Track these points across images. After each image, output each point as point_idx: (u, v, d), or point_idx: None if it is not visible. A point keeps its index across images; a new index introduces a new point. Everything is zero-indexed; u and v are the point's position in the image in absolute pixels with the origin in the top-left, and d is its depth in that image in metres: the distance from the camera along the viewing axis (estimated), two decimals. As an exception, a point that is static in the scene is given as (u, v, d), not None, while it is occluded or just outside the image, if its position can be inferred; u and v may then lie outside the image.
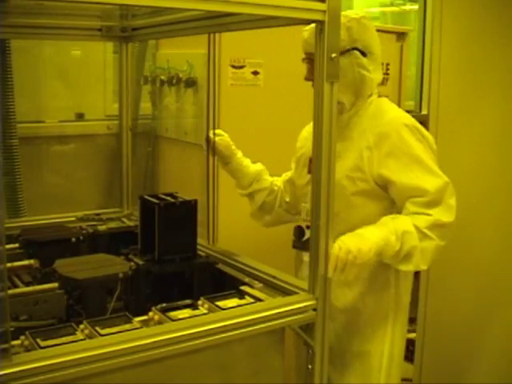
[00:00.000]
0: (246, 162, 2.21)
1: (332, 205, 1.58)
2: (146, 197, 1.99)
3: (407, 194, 1.89)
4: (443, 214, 1.87)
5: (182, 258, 1.89)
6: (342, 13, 1.92)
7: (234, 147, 2.18)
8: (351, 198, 1.93)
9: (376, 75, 1.98)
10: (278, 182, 2.26)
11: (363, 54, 1.93)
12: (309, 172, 1.99)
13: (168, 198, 1.96)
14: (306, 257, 2.02)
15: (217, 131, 2.17)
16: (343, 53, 1.85)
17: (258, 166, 2.23)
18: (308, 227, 1.92)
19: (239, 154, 2.20)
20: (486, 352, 2.84)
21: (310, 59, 1.90)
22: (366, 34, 1.95)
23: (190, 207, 1.93)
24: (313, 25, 1.68)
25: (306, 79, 1.92)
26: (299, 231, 1.96)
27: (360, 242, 1.74)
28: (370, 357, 2.01)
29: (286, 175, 2.26)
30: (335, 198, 1.62)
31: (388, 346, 2.03)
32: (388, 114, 1.98)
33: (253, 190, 2.22)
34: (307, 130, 2.14)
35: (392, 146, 1.89)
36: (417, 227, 1.84)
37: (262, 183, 2.22)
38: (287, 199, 2.23)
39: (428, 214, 1.86)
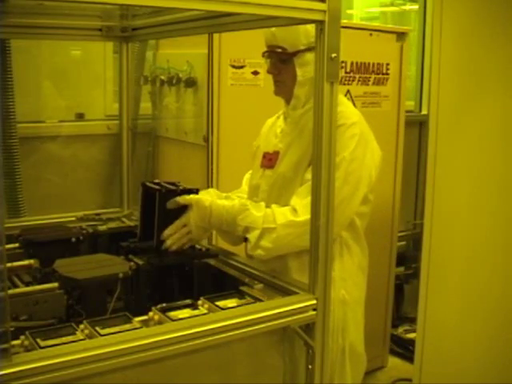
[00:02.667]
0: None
1: (332, 205, 1.58)
2: (148, 183, 1.99)
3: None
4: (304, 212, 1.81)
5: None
6: None
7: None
8: (294, 189, 1.93)
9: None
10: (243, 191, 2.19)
11: None
12: (261, 166, 2.04)
13: (169, 186, 1.96)
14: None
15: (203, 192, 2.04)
16: (310, 49, 1.87)
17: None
18: None
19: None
20: (487, 352, 2.84)
21: (272, 52, 1.95)
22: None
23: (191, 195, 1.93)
24: None
25: (269, 72, 1.98)
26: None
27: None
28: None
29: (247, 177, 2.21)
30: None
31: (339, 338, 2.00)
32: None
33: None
34: (268, 124, 2.18)
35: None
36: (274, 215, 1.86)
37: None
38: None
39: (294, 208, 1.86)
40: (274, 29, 1.92)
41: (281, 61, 1.97)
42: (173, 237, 1.90)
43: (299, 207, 1.85)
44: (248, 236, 1.88)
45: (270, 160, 2.00)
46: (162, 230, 1.89)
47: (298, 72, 1.95)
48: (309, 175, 1.85)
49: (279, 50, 1.95)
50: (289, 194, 1.93)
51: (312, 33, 1.85)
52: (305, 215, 1.77)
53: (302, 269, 1.81)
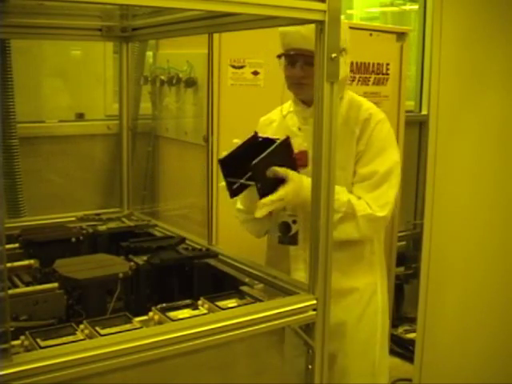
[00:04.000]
0: None
1: (332, 205, 1.58)
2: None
3: (358, 179, 2.05)
4: (381, 209, 2.01)
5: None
6: None
7: None
8: (344, 184, 2.02)
9: (347, 69, 2.12)
10: None
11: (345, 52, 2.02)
12: None
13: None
14: (292, 251, 2.09)
15: None
16: (340, 51, 1.90)
17: None
18: (294, 222, 1.96)
19: None
20: (487, 352, 2.84)
21: (301, 55, 1.96)
22: (348, 34, 2.05)
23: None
24: None
25: (294, 75, 2.01)
26: (285, 226, 1.98)
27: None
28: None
29: None
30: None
31: (380, 319, 2.17)
32: (364, 104, 2.13)
33: None
34: (269, 117, 2.21)
35: (370, 135, 2.05)
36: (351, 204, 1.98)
37: None
38: None
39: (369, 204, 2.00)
40: (303, 31, 1.91)
41: (308, 63, 1.98)
42: (267, 208, 1.87)
43: (370, 201, 2.00)
44: None
45: (299, 159, 1.99)
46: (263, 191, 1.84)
47: None
48: (368, 168, 2.03)
49: (309, 53, 1.95)
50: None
51: (342, 36, 1.89)
52: (382, 211, 1.99)
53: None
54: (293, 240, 2.00)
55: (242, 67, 2.53)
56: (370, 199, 2.01)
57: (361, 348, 2.15)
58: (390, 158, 2.06)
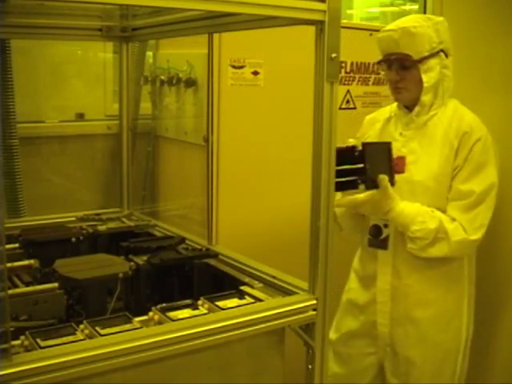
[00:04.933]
0: None
1: (332, 205, 1.58)
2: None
3: (453, 196, 2.01)
4: (475, 232, 1.99)
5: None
6: (427, 15, 1.99)
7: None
8: (437, 196, 2.02)
9: (450, 74, 2.07)
10: None
11: (446, 55, 2.02)
12: None
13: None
14: (381, 255, 2.10)
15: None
16: (433, 54, 1.97)
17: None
18: (386, 225, 2.00)
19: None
20: (486, 352, 2.83)
21: (396, 60, 2.01)
22: (448, 36, 2.03)
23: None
24: (396, 25, 1.90)
25: (390, 80, 2.05)
26: (376, 230, 2.00)
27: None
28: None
29: None
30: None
31: (465, 331, 2.15)
32: (467, 117, 2.07)
33: None
34: (374, 117, 2.23)
35: (469, 150, 2.00)
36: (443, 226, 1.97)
37: None
38: None
39: (463, 227, 1.98)
40: (396, 36, 1.96)
41: (403, 68, 2.00)
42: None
43: (465, 223, 1.98)
44: (417, 241, 1.99)
45: (396, 165, 2.00)
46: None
47: (424, 78, 1.99)
48: (464, 186, 1.98)
49: (402, 57, 1.98)
50: (427, 201, 2.01)
51: (434, 38, 1.94)
52: (476, 234, 1.98)
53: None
54: (383, 244, 2.02)
55: (242, 67, 2.53)
56: (465, 221, 1.98)
57: (443, 357, 2.13)
58: (487, 177, 2.02)
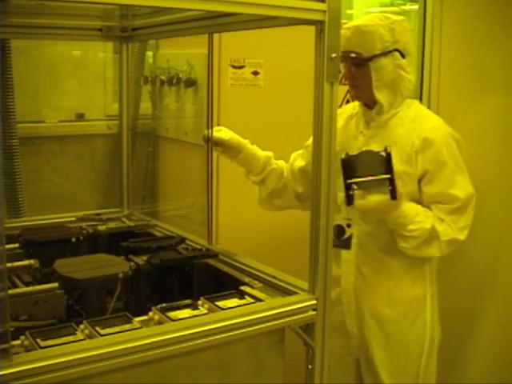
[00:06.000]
0: (255, 147, 2.18)
1: (332, 205, 1.58)
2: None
3: (437, 199, 2.01)
4: (461, 232, 2.02)
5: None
6: (385, 14, 1.99)
7: (239, 137, 2.14)
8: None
9: (412, 77, 2.05)
10: (282, 165, 2.25)
11: (402, 55, 1.99)
12: None
13: None
14: (344, 255, 2.10)
15: (216, 128, 2.14)
16: (385, 53, 1.95)
17: (266, 152, 2.20)
18: (349, 225, 2.00)
19: (247, 141, 2.16)
20: (486, 351, 2.84)
21: (347, 57, 1.99)
22: (406, 36, 2.01)
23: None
24: (352, 23, 1.87)
25: (345, 77, 2.06)
26: (339, 230, 2.00)
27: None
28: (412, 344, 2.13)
29: (296, 165, 2.24)
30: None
31: (429, 331, 2.14)
32: (431, 120, 2.08)
33: (266, 175, 2.19)
34: (341, 112, 2.19)
35: (438, 152, 2.00)
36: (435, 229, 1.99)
37: (273, 167, 2.20)
38: (300, 190, 2.22)
39: (450, 225, 2.00)
40: (348, 34, 1.95)
41: (355, 65, 1.99)
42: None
43: (451, 224, 2.01)
44: (410, 240, 2.00)
45: None
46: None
47: (374, 76, 1.98)
48: (430, 189, 2.01)
49: (353, 55, 1.97)
50: None
51: (387, 37, 1.93)
52: (462, 234, 2.02)
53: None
54: (345, 244, 2.01)
55: (242, 67, 2.53)
56: (451, 221, 2.01)
57: (406, 357, 2.13)
58: (466, 182, 2.05)
